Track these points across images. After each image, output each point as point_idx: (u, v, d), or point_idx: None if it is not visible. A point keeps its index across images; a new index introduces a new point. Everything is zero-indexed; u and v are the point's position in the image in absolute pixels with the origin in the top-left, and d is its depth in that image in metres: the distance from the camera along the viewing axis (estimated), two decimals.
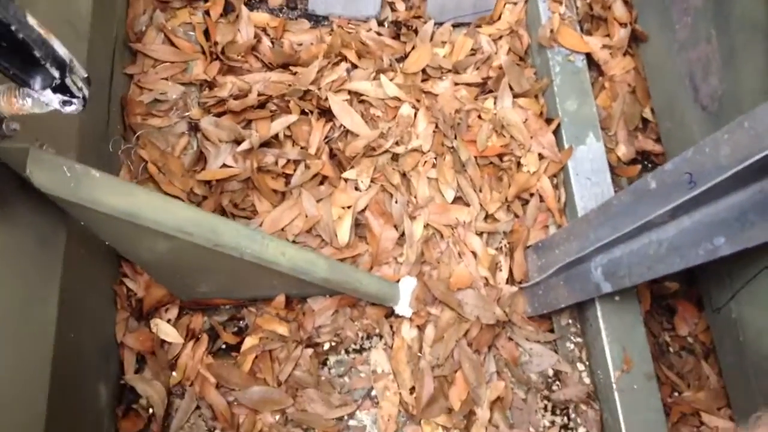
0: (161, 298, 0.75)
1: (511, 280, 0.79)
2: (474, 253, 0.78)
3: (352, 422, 0.74)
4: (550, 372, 0.76)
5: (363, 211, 0.79)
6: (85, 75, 0.44)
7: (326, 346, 0.76)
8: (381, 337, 0.77)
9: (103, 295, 0.74)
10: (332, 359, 0.76)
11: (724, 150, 0.53)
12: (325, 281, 0.68)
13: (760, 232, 0.53)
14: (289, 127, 0.82)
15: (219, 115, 0.82)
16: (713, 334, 0.75)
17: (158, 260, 0.68)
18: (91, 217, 0.57)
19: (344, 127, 0.83)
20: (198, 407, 0.73)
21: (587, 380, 0.75)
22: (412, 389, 0.74)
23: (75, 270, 0.64)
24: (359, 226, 0.80)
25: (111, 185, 0.55)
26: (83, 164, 0.55)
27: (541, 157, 0.83)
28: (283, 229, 0.77)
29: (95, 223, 0.59)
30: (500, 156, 0.84)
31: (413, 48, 0.90)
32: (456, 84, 0.87)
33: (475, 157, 0.84)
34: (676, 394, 0.75)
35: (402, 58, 0.90)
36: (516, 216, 0.82)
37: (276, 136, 0.82)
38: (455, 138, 0.84)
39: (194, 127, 0.83)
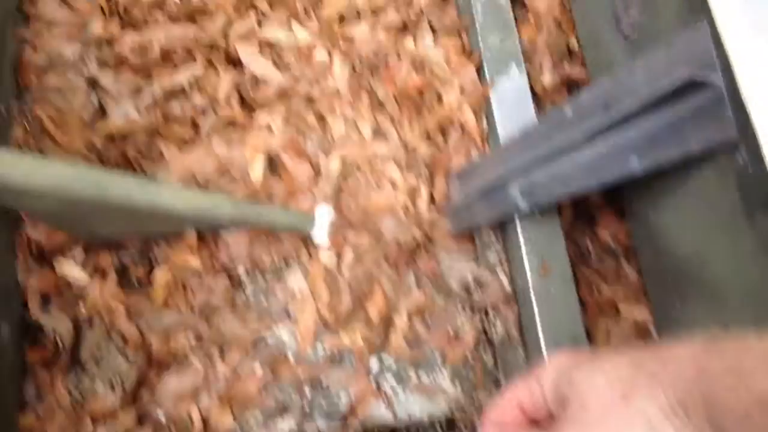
0: (64, 242, 0.85)
1: (432, 202, 0.91)
2: (393, 183, 0.89)
3: (269, 338, 0.85)
4: (470, 279, 0.88)
5: (277, 151, 0.91)
6: None
7: (241, 272, 0.87)
8: (299, 263, 0.88)
9: (1, 242, 0.84)
10: (248, 286, 0.87)
11: (640, 77, 0.65)
12: (232, 221, 0.77)
13: (671, 150, 0.65)
14: (195, 80, 0.94)
15: (120, 71, 0.93)
16: (634, 240, 0.87)
17: (50, 213, 0.77)
18: None
19: (255, 75, 0.95)
20: (109, 335, 0.83)
21: (507, 285, 0.87)
22: (330, 305, 0.85)
23: None
24: (274, 167, 0.90)
25: None
26: None
27: (462, 90, 0.96)
28: (193, 175, 0.88)
29: None
30: (420, 92, 0.97)
31: None
32: (374, 27, 1.01)
33: (394, 95, 0.96)
34: (596, 292, 0.89)
35: (317, 4, 1.03)
36: (437, 147, 0.94)
37: (182, 90, 0.93)
38: (372, 76, 0.97)
39: (93, 84, 0.92)
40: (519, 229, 0.88)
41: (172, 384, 0.78)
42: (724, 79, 0.58)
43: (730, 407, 0.31)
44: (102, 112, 0.92)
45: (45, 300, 0.84)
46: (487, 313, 0.86)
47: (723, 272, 0.69)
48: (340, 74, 0.99)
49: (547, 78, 1.03)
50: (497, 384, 0.86)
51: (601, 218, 0.91)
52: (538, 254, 0.86)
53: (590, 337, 0.84)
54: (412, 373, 0.85)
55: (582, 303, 0.81)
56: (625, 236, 0.89)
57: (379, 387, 0.82)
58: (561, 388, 0.38)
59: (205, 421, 0.78)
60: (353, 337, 0.81)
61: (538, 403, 0.41)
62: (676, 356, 0.35)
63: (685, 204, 0.75)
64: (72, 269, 0.86)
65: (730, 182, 0.63)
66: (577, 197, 0.83)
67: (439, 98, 0.99)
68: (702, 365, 0.34)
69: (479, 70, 1.03)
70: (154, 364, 0.79)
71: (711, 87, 0.59)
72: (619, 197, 0.91)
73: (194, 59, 0.96)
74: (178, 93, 0.94)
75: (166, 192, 0.72)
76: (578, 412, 0.36)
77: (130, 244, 0.88)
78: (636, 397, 0.35)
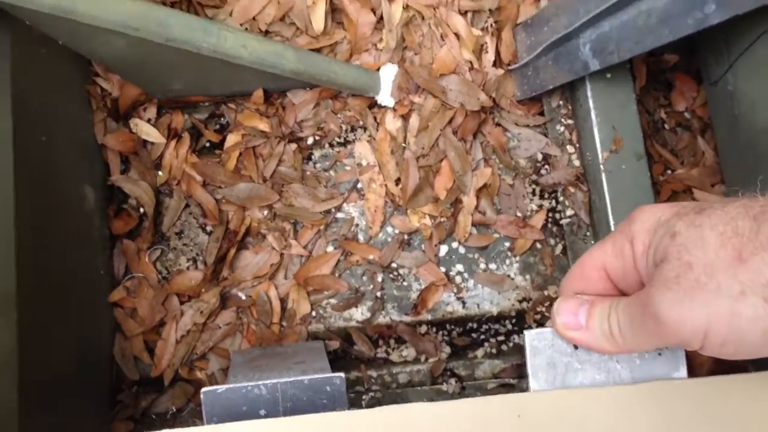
0: (137, 97, 0.84)
1: (498, 62, 0.85)
2: (457, 35, 0.84)
3: (339, 215, 0.86)
4: (539, 156, 0.85)
5: None
6: None
7: (310, 141, 0.87)
8: (365, 129, 0.86)
9: (76, 97, 0.83)
10: (316, 153, 0.87)
11: None
12: (295, 73, 0.74)
13: None
14: None
15: None
16: (710, 109, 0.82)
17: (120, 57, 0.75)
18: (29, 15, 0.62)
19: None
20: (187, 205, 0.85)
21: (576, 163, 0.84)
22: (398, 180, 0.84)
23: (33, 72, 0.71)
24: (335, 12, 0.86)
25: None
26: None
27: None
28: (254, 18, 0.84)
29: (37, 20, 0.65)
30: None
31: None
32: None
33: None
34: (668, 172, 0.84)
35: None
36: None
37: None
38: None
39: None
40: (589, 93, 0.82)
41: (251, 262, 0.80)
42: None
43: None
44: None
45: (124, 163, 0.88)
46: (555, 194, 0.81)
47: None
48: None
49: None
50: (566, 273, 0.85)
51: (677, 83, 0.84)
52: (608, 123, 0.83)
53: None
54: (481, 263, 0.82)
55: (654, 184, 0.77)
56: (701, 108, 0.82)
57: (448, 275, 0.82)
58: (659, 245, 0.30)
59: (283, 304, 0.81)
60: (422, 219, 0.80)
61: (627, 267, 0.33)
62: None
63: (763, 65, 0.70)
64: (148, 128, 0.87)
65: None
66: (651, 53, 0.78)
67: None
68: None
69: None
70: (233, 239, 0.79)
71: None
72: (697, 61, 0.85)
73: None
74: None
75: (230, 36, 0.69)
76: (678, 271, 0.29)
77: (200, 106, 0.89)
78: (755, 259, 0.27)
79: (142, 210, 0.86)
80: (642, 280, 0.33)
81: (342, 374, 0.52)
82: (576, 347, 0.38)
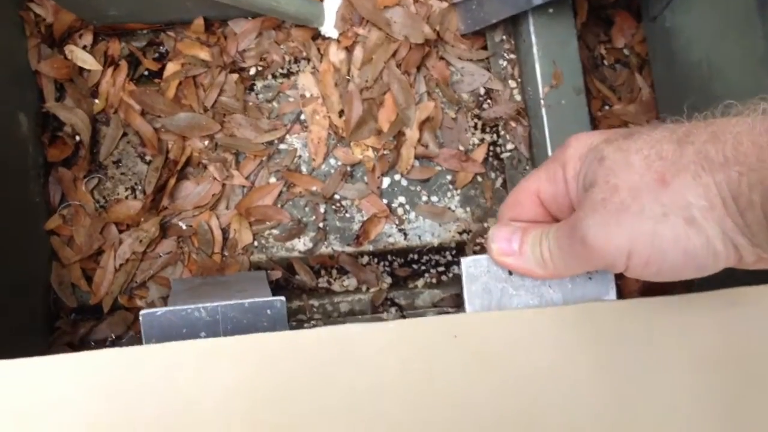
0: (72, 23, 0.82)
1: None
2: None
3: (282, 146, 0.85)
4: (482, 90, 0.85)
5: None
6: None
7: (252, 71, 0.85)
8: (308, 60, 0.85)
9: (9, 24, 0.80)
10: (259, 84, 0.85)
11: None
12: None
13: None
14: None
15: None
16: (648, 45, 0.83)
17: None
18: None
19: None
20: (125, 134, 0.83)
21: (518, 97, 0.84)
22: (341, 112, 0.84)
23: None
24: None
25: None
26: None
27: None
28: None
29: None
30: None
31: None
32: None
33: None
34: (606, 107, 0.86)
35: None
36: None
37: None
38: None
39: None
40: (532, 28, 0.83)
41: (192, 192, 0.78)
42: None
43: None
44: None
45: (59, 90, 0.85)
46: (497, 128, 0.81)
47: (732, 81, 0.68)
48: None
49: None
50: None
51: (618, 20, 0.85)
52: (549, 58, 0.84)
53: None
54: (423, 195, 0.83)
55: (592, 119, 0.77)
56: (640, 44, 0.83)
57: (390, 207, 0.82)
58: (588, 169, 0.31)
59: (224, 234, 0.79)
60: (365, 151, 0.79)
61: (559, 192, 0.33)
62: (733, 132, 0.27)
63: (699, 1, 0.72)
64: (83, 55, 0.84)
65: None
66: None
67: None
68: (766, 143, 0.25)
69: None
70: (173, 169, 0.77)
71: None
72: None
73: None
74: None
75: None
76: (604, 194, 0.29)
77: (139, 34, 0.87)
78: (677, 180, 0.27)
79: (78, 138, 0.83)
80: (573, 206, 0.33)
81: (283, 298, 0.52)
82: (510, 273, 0.39)
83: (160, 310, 0.48)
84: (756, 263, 0.29)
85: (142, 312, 0.46)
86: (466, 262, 0.40)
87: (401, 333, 0.39)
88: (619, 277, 0.39)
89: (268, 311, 0.52)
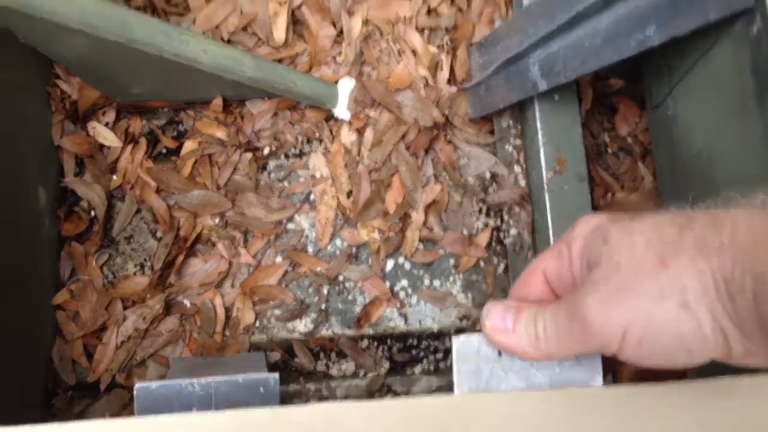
0: (96, 100, 0.85)
1: (453, 80, 0.88)
2: (414, 52, 0.86)
3: (290, 225, 0.86)
4: (488, 175, 0.87)
5: (300, 6, 0.87)
6: None
7: (266, 151, 0.88)
8: (320, 141, 0.88)
9: (37, 98, 0.84)
10: (272, 163, 0.88)
11: None
12: (253, 80, 0.76)
13: (689, 18, 0.61)
14: None
15: None
16: (651, 134, 0.85)
17: (81, 58, 0.76)
18: None
19: None
20: (139, 210, 0.86)
21: (522, 182, 0.85)
22: (350, 193, 0.86)
23: None
24: (297, 24, 0.88)
25: None
26: None
27: None
28: (217, 27, 0.86)
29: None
30: None
31: None
32: None
33: None
34: (609, 195, 0.87)
35: None
36: (460, 10, 0.89)
37: None
38: None
39: None
40: (537, 114, 0.85)
41: (199, 269, 0.78)
42: None
43: None
44: None
45: (79, 165, 0.88)
46: (501, 213, 0.81)
47: (732, 168, 0.69)
48: None
49: None
50: (506, 293, 0.85)
51: (621, 108, 0.87)
52: (554, 144, 0.85)
53: None
54: (426, 279, 0.83)
55: (594, 206, 0.78)
56: (643, 133, 0.84)
57: (392, 290, 0.81)
58: (593, 249, 0.32)
59: (227, 313, 0.79)
60: (371, 233, 0.79)
61: (563, 269, 0.34)
62: (732, 219, 0.28)
63: (701, 90, 0.73)
64: (105, 132, 0.88)
65: (744, 61, 0.62)
66: (597, 77, 0.83)
67: None
68: (763, 230, 0.26)
69: None
70: (182, 245, 0.77)
71: None
72: (642, 87, 0.89)
73: None
74: None
75: (191, 40, 0.71)
76: (607, 273, 0.30)
77: (160, 112, 0.90)
78: (675, 263, 0.28)
79: (93, 213, 0.85)
80: (575, 283, 0.34)
81: (276, 374, 0.51)
82: (500, 354, 0.39)
83: (154, 384, 0.48)
84: (745, 357, 0.29)
85: (136, 385, 0.46)
86: (457, 340, 0.40)
87: (390, 412, 0.39)
88: (614, 366, 0.38)
89: (262, 389, 0.51)
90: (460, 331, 0.86)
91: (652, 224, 0.30)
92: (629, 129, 0.90)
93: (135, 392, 0.46)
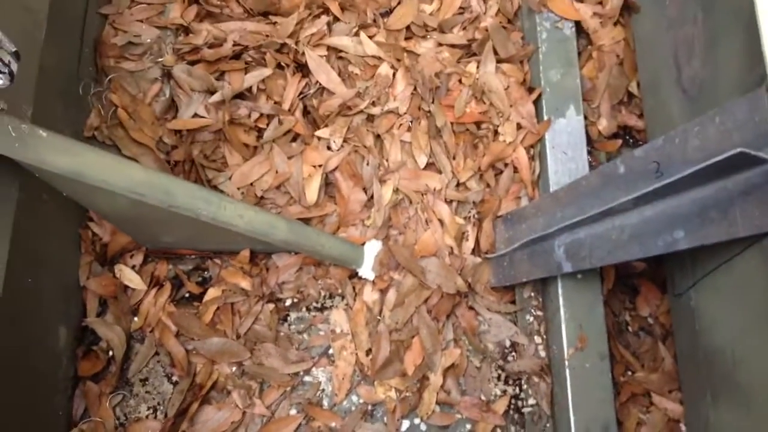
0: (126, 244, 0.88)
1: (477, 250, 0.90)
2: (441, 221, 0.89)
3: (307, 378, 0.87)
4: (507, 343, 0.88)
5: (333, 170, 0.91)
6: (14, 49, 0.53)
7: (288, 303, 0.89)
8: (343, 297, 0.89)
9: (67, 239, 0.86)
10: (293, 315, 0.89)
11: (693, 143, 0.62)
12: (285, 243, 0.79)
13: (718, 230, 0.62)
14: (263, 81, 0.94)
15: (193, 63, 0.93)
16: (673, 319, 0.86)
17: (118, 214, 0.79)
18: (43, 174, 0.67)
19: (320, 83, 0.94)
20: (157, 353, 0.87)
21: (542, 353, 0.87)
22: (369, 351, 0.87)
23: (32, 214, 0.75)
24: (329, 186, 0.91)
25: (58, 145, 0.64)
26: (31, 124, 0.64)
27: (519, 127, 0.94)
28: (252, 184, 0.89)
29: (48, 178, 0.69)
30: (477, 123, 0.95)
31: (399, 2, 1.00)
32: (439, 44, 0.98)
33: (452, 123, 0.94)
34: (629, 373, 0.88)
35: (387, 13, 1.00)
36: (488, 186, 0.93)
37: (249, 89, 0.93)
38: (433, 102, 0.94)
39: (167, 74, 0.93)
40: (560, 291, 0.87)
41: (212, 417, 0.80)
42: None
43: None
44: (172, 104, 0.94)
45: (102, 305, 0.89)
46: (520, 382, 0.85)
47: (756, 375, 0.69)
48: (401, 94, 0.98)
49: (604, 123, 1.00)
50: None
51: (643, 290, 0.89)
52: (576, 321, 0.87)
53: (619, 422, 0.86)
54: None
55: (614, 383, 0.78)
56: (664, 315, 0.85)
57: None
58: None
59: None
60: (388, 392, 0.81)
61: None
62: None
63: (727, 290, 0.74)
64: (131, 275, 0.90)
65: None
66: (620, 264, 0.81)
67: (496, 132, 0.97)
68: None
69: (537, 104, 0.99)
70: (197, 393, 0.83)
71: (763, 161, 0.56)
72: (663, 271, 0.91)
73: (263, 59, 0.96)
74: (245, 95, 0.95)
75: (228, 206, 0.74)
76: None
77: (187, 258, 0.92)
78: None
79: (111, 353, 0.87)
80: None
81: None
82: None
83: None
84: None
85: None
86: None
87: None
88: None
89: None
90: None
91: None
92: (651, 310, 0.92)
93: None
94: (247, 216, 0.76)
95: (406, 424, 0.87)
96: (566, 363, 0.85)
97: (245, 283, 0.89)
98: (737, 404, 0.73)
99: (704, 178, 0.61)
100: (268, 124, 0.94)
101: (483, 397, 0.88)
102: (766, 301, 0.66)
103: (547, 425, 0.87)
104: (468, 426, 0.88)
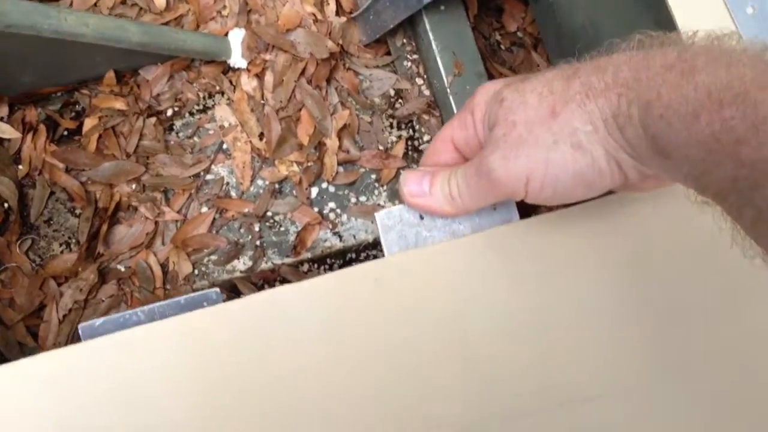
0: None
1: (341, 11, 0.93)
2: None
3: (209, 177, 0.89)
4: (392, 92, 0.93)
5: None
6: None
7: (169, 113, 0.91)
8: (222, 93, 0.91)
9: None
10: (178, 123, 0.91)
11: None
12: (142, 45, 0.79)
13: None
14: None
15: None
16: (538, 24, 0.91)
17: None
18: None
19: None
20: (53, 192, 0.87)
21: (426, 92, 0.92)
22: (261, 135, 0.89)
23: None
24: None
25: None
26: None
27: None
28: (95, 5, 0.89)
29: None
30: None
31: None
32: None
33: None
34: None
35: None
36: None
37: None
38: None
39: None
40: (428, 26, 0.90)
41: (126, 234, 0.81)
42: None
43: (674, 108, 0.26)
44: None
45: None
46: (411, 123, 0.87)
47: (615, 31, 0.71)
48: None
49: None
50: None
51: (507, 7, 0.94)
52: (448, 50, 0.92)
53: None
54: (352, 197, 0.89)
55: None
56: (531, 25, 0.91)
57: (322, 214, 0.87)
58: (492, 113, 0.35)
59: (164, 269, 0.82)
60: (290, 167, 0.84)
61: (470, 135, 0.38)
62: (613, 62, 0.30)
63: None
64: (1, 126, 0.89)
65: None
66: None
67: None
68: (642, 65, 0.29)
69: None
70: (103, 216, 0.80)
71: None
72: None
73: None
74: None
75: (69, 16, 0.72)
76: (504, 131, 0.33)
77: (53, 97, 0.91)
78: (565, 111, 0.31)
79: (6, 204, 0.86)
80: (481, 146, 0.37)
81: (217, 289, 0.53)
82: (422, 217, 0.43)
83: (98, 321, 0.48)
84: (642, 182, 0.33)
85: (80, 325, 0.47)
86: (380, 215, 0.44)
87: (327, 286, 0.43)
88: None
89: (205, 303, 0.53)
90: None
91: (543, 81, 0.33)
92: (518, 24, 0.97)
93: (80, 333, 0.46)
94: (92, 23, 0.75)
95: (314, 191, 0.91)
96: (448, 91, 0.90)
97: (119, 104, 0.90)
98: None
99: None
100: None
101: (381, 147, 0.93)
102: None
103: None
104: (373, 176, 0.92)
